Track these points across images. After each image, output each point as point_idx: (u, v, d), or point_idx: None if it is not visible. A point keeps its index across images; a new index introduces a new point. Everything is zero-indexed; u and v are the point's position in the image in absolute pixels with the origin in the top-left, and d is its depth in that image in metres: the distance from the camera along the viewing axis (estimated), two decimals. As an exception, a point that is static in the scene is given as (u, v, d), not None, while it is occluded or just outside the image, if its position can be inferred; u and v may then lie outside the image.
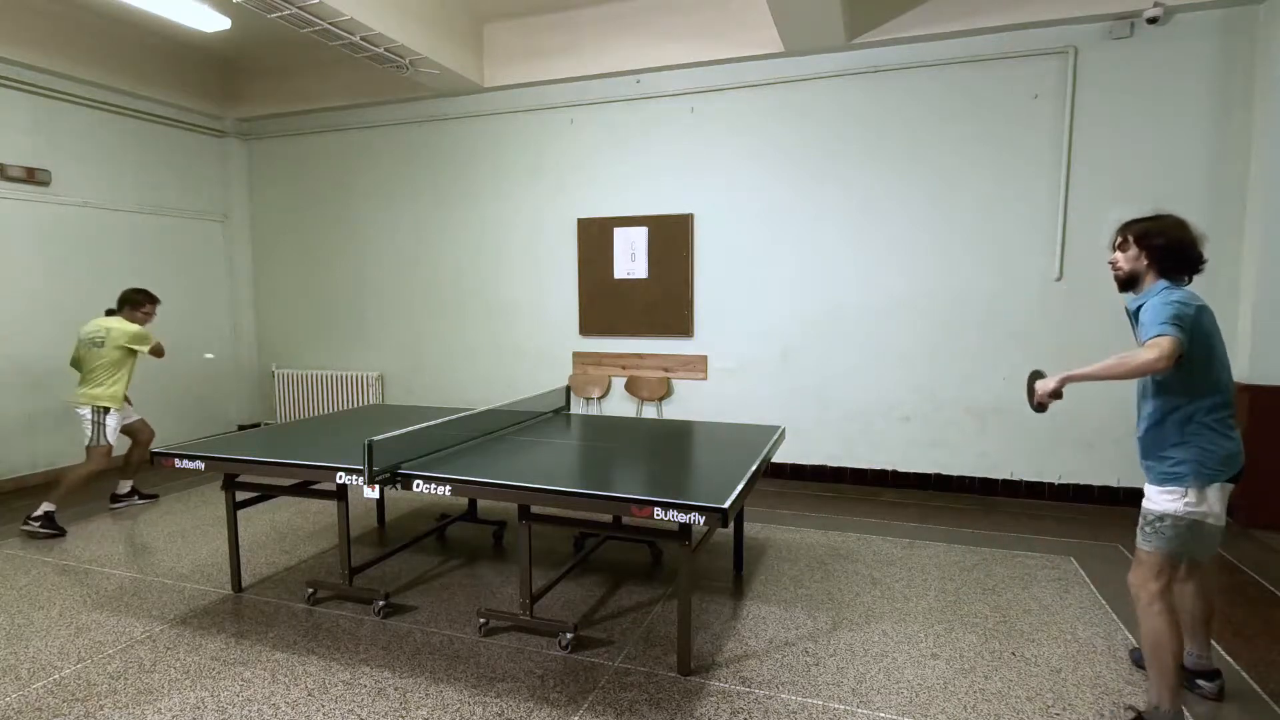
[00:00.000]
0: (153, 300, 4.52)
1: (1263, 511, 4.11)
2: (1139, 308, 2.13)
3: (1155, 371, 1.98)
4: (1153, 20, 4.14)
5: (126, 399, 4.47)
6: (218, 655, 2.70)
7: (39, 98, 5.23)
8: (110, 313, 4.43)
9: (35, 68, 5.12)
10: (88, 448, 4.26)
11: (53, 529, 4.10)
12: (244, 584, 3.36)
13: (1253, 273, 4.13)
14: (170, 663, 2.64)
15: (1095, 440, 4.59)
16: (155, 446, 3.22)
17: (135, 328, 4.34)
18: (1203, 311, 2.08)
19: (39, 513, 4.09)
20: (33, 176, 5.16)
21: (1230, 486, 2.17)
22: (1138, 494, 4.81)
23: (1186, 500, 2.09)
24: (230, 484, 3.23)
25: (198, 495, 4.93)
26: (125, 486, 4.72)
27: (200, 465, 3.07)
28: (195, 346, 6.46)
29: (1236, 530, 4.10)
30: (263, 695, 2.42)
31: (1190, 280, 2.18)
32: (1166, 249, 2.13)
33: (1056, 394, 2.22)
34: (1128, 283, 2.23)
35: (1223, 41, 4.16)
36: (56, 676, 2.56)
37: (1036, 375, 2.34)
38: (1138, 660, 2.57)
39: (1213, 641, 2.48)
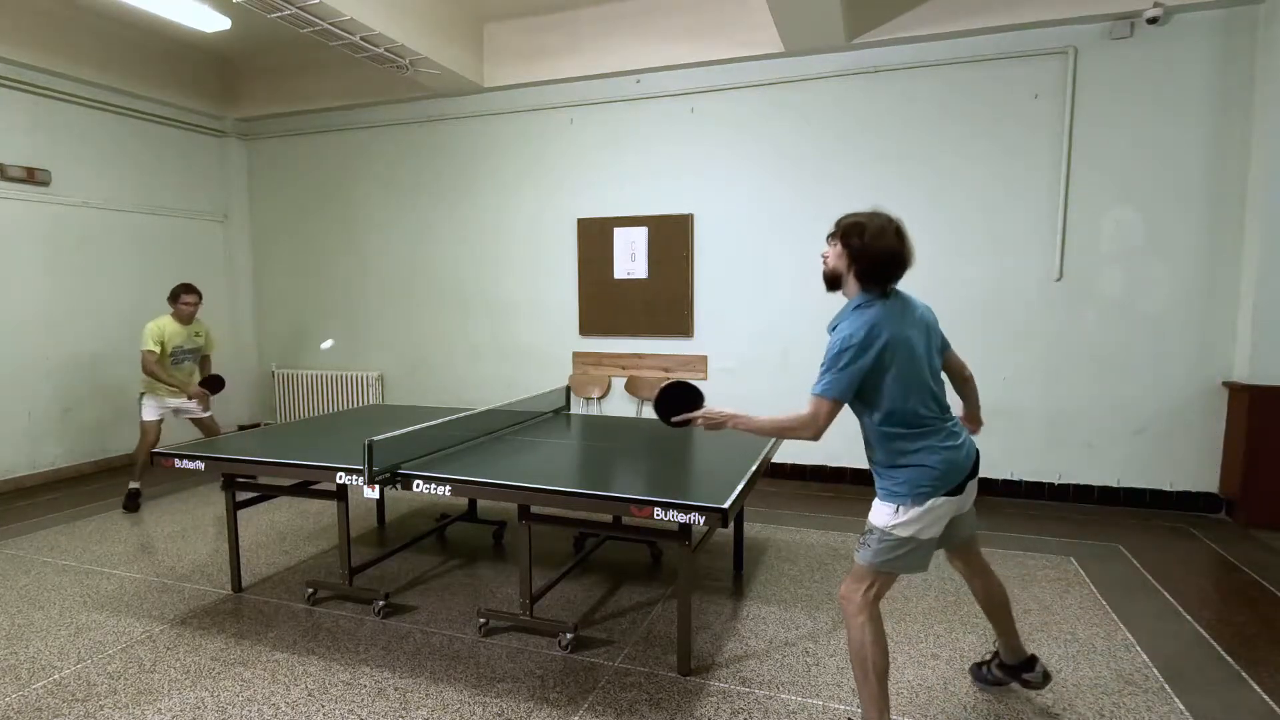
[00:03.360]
0: (185, 291, 4.59)
1: (1263, 511, 4.11)
2: (833, 328, 2.00)
3: (807, 439, 1.97)
4: (1153, 20, 4.14)
5: (204, 403, 4.73)
6: (218, 655, 2.70)
7: (39, 98, 5.23)
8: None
9: (35, 68, 5.12)
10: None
11: (133, 506, 4.57)
12: (244, 584, 3.36)
13: (1253, 273, 4.13)
14: (170, 663, 2.64)
15: (1095, 440, 4.59)
16: (155, 447, 3.21)
17: (148, 327, 4.46)
18: (886, 340, 1.90)
19: (131, 489, 4.58)
20: (33, 176, 5.17)
21: (955, 498, 2.04)
22: (1138, 494, 4.84)
23: (900, 518, 2.00)
24: (230, 484, 3.23)
25: (198, 495, 4.93)
26: (136, 485, 4.64)
27: (200, 465, 3.07)
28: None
29: (1237, 530, 4.11)
30: (263, 695, 2.42)
31: (889, 292, 1.99)
32: (860, 251, 1.92)
33: (716, 427, 2.15)
34: (829, 281, 2.06)
35: (1223, 41, 4.16)
36: (56, 676, 2.56)
37: (684, 389, 2.28)
38: (979, 677, 2.45)
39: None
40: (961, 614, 3.03)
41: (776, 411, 2.08)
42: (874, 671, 1.97)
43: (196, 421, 4.79)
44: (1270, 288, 4.08)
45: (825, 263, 2.05)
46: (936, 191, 4.75)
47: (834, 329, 2.00)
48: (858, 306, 1.98)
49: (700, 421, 2.21)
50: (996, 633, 2.34)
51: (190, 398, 4.61)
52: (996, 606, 2.29)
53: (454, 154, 6.02)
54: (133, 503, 4.56)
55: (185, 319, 4.60)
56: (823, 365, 1.96)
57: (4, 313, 5.07)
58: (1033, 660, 2.32)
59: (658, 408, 2.30)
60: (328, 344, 5.54)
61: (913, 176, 4.78)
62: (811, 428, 1.96)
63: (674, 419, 2.25)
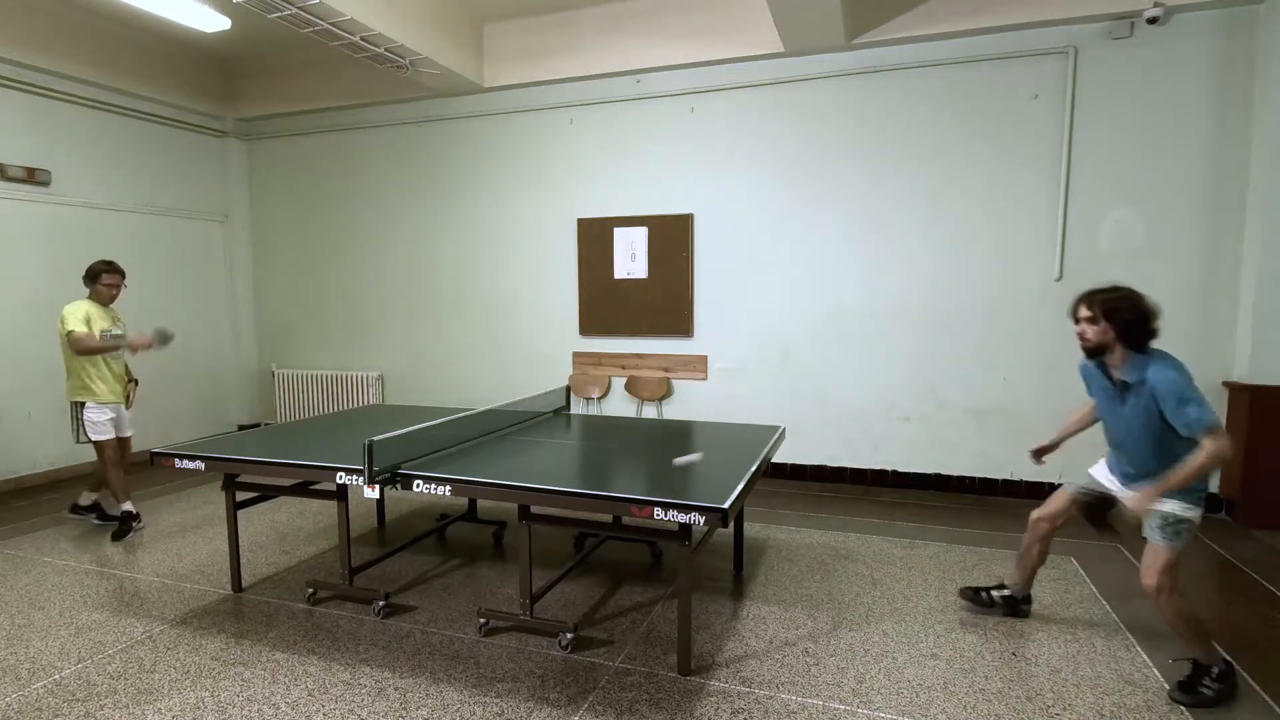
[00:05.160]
0: (107, 270, 4.03)
1: (1263, 511, 4.11)
2: (1141, 379, 2.37)
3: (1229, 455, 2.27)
4: (1153, 20, 4.14)
5: (127, 399, 4.20)
6: (218, 655, 2.70)
7: (39, 98, 5.22)
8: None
9: (35, 68, 5.12)
10: (94, 445, 4.00)
11: (127, 527, 4.05)
12: (244, 584, 3.36)
13: (1253, 273, 4.13)
14: (170, 663, 2.64)
15: (1096, 441, 4.58)
16: (156, 447, 3.19)
17: (68, 309, 3.89)
18: None
19: (119, 513, 4.06)
20: (33, 176, 5.16)
21: None
22: (1138, 494, 4.76)
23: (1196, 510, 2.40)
24: (230, 484, 3.23)
25: (198, 495, 4.93)
26: (89, 499, 4.31)
27: (200, 465, 3.06)
28: (195, 346, 6.47)
29: (1237, 530, 4.11)
30: (263, 695, 2.42)
31: (1147, 349, 2.40)
32: (1134, 324, 2.35)
33: (1152, 499, 2.38)
34: (1095, 352, 2.46)
35: (1223, 41, 4.16)
36: (56, 676, 2.56)
37: (1110, 503, 2.65)
38: (975, 600, 3.04)
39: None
40: (961, 614, 3.03)
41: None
42: (1202, 626, 2.42)
43: (122, 441, 4.17)
44: (1270, 288, 4.08)
45: (1086, 339, 2.44)
46: (936, 191, 4.75)
47: (1142, 380, 2.36)
48: (1152, 354, 2.38)
49: (1136, 507, 2.44)
50: (1026, 576, 2.94)
51: (125, 399, 4.14)
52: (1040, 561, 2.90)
53: (454, 154, 6.02)
54: (124, 528, 4.04)
55: (105, 301, 4.04)
56: (1183, 404, 2.26)
57: (4, 312, 5.07)
58: (1030, 597, 2.99)
59: (1091, 519, 2.73)
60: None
61: (912, 176, 4.78)
62: (1227, 444, 2.24)
63: (1108, 519, 2.65)
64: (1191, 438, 2.27)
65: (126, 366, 4.25)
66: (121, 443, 4.18)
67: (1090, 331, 2.43)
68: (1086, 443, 4.58)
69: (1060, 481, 4.69)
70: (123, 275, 4.11)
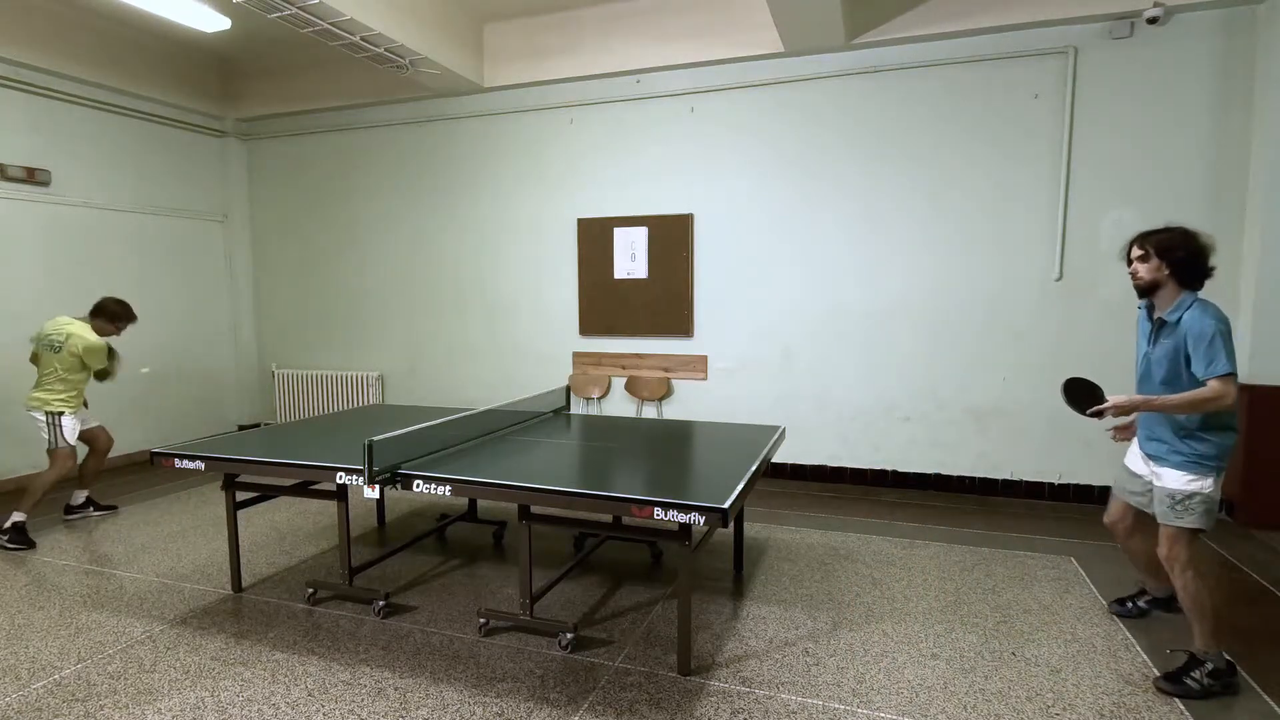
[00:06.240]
0: (130, 317, 4.22)
1: (1263, 511, 4.11)
2: (1177, 320, 2.35)
3: (1225, 407, 2.27)
4: (1153, 20, 4.14)
5: (85, 403, 4.29)
6: (218, 655, 2.70)
7: (39, 98, 5.22)
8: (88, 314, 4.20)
9: (35, 68, 5.12)
10: (48, 452, 4.07)
11: (23, 541, 3.88)
12: (244, 584, 3.36)
13: (1253, 273, 4.13)
14: (170, 663, 2.64)
15: (1095, 440, 4.58)
16: (156, 447, 3.19)
17: (94, 340, 4.04)
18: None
19: (8, 524, 3.91)
20: (33, 176, 5.16)
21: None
22: (1138, 494, 4.75)
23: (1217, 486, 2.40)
24: (230, 484, 3.23)
25: (198, 495, 4.93)
26: (80, 497, 4.42)
27: (200, 465, 3.06)
28: (195, 346, 6.48)
29: (1237, 530, 4.11)
30: (263, 695, 2.42)
31: (1202, 287, 2.40)
32: (1187, 261, 2.34)
33: (1124, 411, 2.43)
34: (1147, 290, 2.44)
35: (1223, 41, 4.16)
36: (56, 676, 2.56)
37: (1082, 384, 2.56)
38: (1123, 612, 2.99)
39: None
40: (961, 614, 3.03)
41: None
42: (1211, 608, 2.40)
43: (91, 433, 4.35)
44: (1270, 288, 4.08)
45: (1139, 278, 2.43)
46: (936, 191, 4.75)
47: (1179, 321, 2.34)
48: (1196, 302, 2.35)
49: (1112, 412, 2.44)
50: (1147, 573, 2.89)
51: (101, 378, 4.22)
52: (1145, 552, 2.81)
53: (454, 154, 6.02)
54: (24, 537, 3.90)
55: (105, 335, 4.16)
56: (1212, 347, 2.25)
57: (4, 312, 5.07)
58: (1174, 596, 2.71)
59: (1069, 399, 2.59)
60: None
61: (913, 176, 4.78)
62: (1230, 396, 2.24)
63: (1089, 410, 2.49)
64: (1202, 383, 2.27)
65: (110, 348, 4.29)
66: (93, 434, 4.38)
67: (1143, 269, 2.42)
68: (1084, 442, 4.62)
69: (1060, 481, 4.72)
70: (134, 320, 4.28)
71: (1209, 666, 2.39)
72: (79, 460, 4.35)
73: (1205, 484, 2.34)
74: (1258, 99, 4.10)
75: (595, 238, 5.57)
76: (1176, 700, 2.37)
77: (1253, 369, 4.12)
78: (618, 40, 5.25)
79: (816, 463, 5.24)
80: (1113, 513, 2.85)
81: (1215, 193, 4.25)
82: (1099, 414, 2.46)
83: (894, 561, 3.64)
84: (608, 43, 5.28)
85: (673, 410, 5.54)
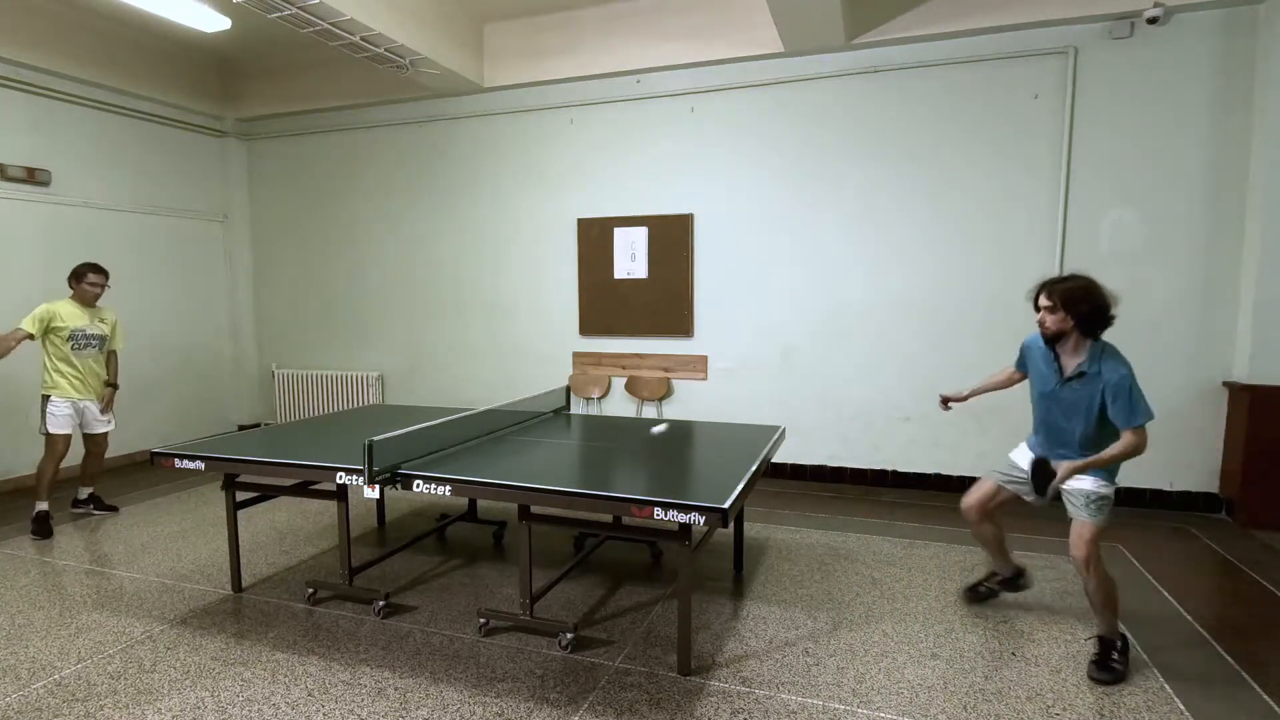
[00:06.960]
0: (96, 270, 4.20)
1: (1263, 511, 4.11)
2: (1097, 371, 2.50)
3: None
4: (1153, 20, 4.14)
5: (107, 405, 4.36)
6: (218, 655, 2.70)
7: (39, 98, 5.22)
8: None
9: (35, 68, 5.12)
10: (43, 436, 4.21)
11: (41, 532, 4.07)
12: (244, 584, 3.36)
13: (1253, 273, 4.13)
14: (170, 663, 2.64)
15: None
16: (156, 447, 3.19)
17: (40, 306, 4.08)
18: None
19: (34, 514, 4.13)
20: (33, 176, 5.16)
21: None
22: (1138, 494, 4.84)
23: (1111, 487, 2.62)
24: (230, 484, 3.23)
25: (198, 495, 4.93)
26: (84, 492, 4.53)
27: (200, 465, 3.06)
28: (195, 346, 6.47)
29: (1236, 530, 4.11)
30: (263, 695, 2.42)
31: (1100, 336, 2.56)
32: (1090, 315, 2.47)
33: (1074, 474, 2.57)
34: (1053, 339, 2.57)
35: (1223, 41, 4.16)
36: (56, 676, 2.56)
37: (1043, 465, 2.73)
38: (968, 599, 3.15)
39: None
40: (961, 614, 3.03)
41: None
42: (1115, 597, 2.57)
43: (90, 437, 4.39)
44: (1270, 288, 4.08)
45: (1046, 329, 2.54)
46: (936, 192, 4.75)
47: (1098, 373, 2.50)
48: (1106, 349, 2.54)
49: (1061, 479, 2.62)
50: (996, 555, 3.06)
51: (99, 397, 4.30)
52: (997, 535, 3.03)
53: (454, 154, 6.02)
54: (43, 527, 4.08)
55: (89, 300, 4.20)
56: (1126, 400, 2.44)
57: (4, 313, 5.06)
58: (1021, 570, 3.08)
59: (1036, 485, 2.77)
60: (658, 430, 5.05)
61: (913, 176, 4.78)
62: (1145, 439, 2.45)
63: (1049, 487, 2.69)
64: (1118, 430, 2.46)
65: (110, 369, 4.44)
66: (93, 440, 4.40)
67: (1049, 320, 2.53)
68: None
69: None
70: (106, 276, 4.28)
71: (1119, 644, 2.57)
72: (77, 454, 4.40)
73: (1110, 490, 2.56)
74: (1258, 99, 4.10)
75: (595, 238, 5.57)
76: (1177, 700, 2.37)
77: (1253, 369, 4.12)
78: (618, 40, 5.25)
79: (816, 463, 5.24)
80: (981, 492, 2.92)
81: (1215, 193, 4.25)
82: (1056, 486, 2.65)
83: (894, 561, 3.64)
84: (608, 43, 5.28)
85: (673, 410, 5.54)
